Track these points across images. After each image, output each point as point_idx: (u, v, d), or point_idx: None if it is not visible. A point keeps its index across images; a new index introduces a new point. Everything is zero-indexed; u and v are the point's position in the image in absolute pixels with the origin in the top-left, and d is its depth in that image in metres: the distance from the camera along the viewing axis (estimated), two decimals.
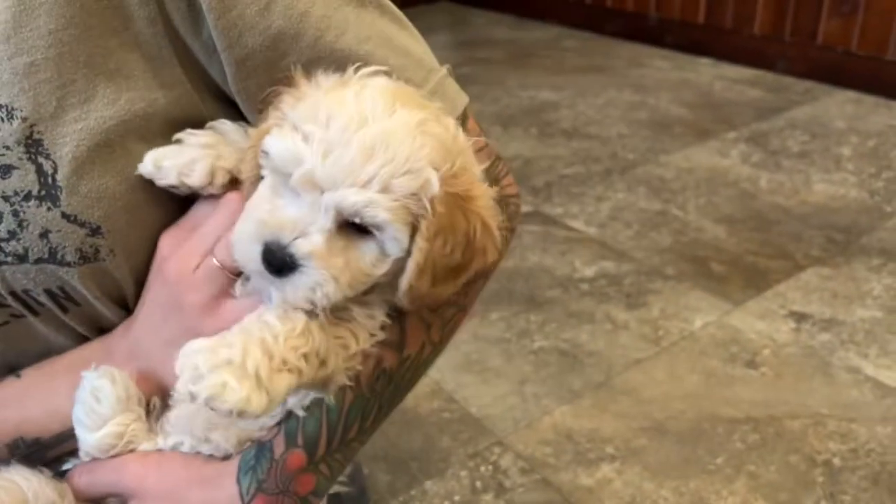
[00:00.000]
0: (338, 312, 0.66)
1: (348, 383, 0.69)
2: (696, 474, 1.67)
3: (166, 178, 0.70)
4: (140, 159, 0.71)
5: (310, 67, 0.70)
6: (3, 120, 0.66)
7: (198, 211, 0.74)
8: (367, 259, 0.63)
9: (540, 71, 3.98)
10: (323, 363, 0.65)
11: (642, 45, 4.29)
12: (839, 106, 3.41)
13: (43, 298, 0.73)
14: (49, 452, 0.77)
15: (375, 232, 0.61)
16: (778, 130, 3.20)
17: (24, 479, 0.71)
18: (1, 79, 0.66)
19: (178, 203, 0.75)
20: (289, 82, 0.67)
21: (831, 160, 2.94)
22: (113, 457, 0.72)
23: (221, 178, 0.70)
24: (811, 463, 1.68)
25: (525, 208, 2.69)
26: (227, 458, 0.71)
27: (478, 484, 1.67)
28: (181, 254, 0.71)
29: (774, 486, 1.63)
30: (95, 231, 0.69)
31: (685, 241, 2.50)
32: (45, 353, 0.79)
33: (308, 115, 0.62)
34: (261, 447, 0.70)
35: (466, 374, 1.97)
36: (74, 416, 0.71)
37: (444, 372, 1.97)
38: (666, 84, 3.76)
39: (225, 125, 0.73)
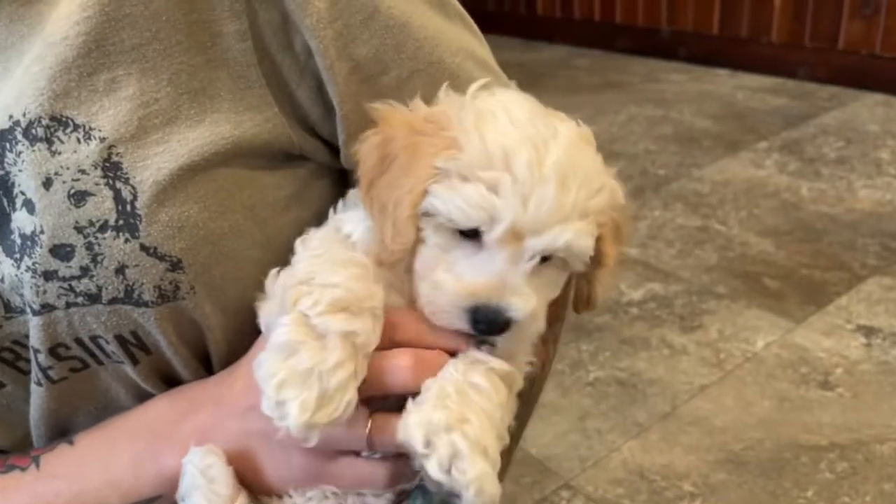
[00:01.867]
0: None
1: None
2: None
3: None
4: (224, 185, 0.63)
5: (406, 84, 0.66)
6: (79, 141, 0.60)
7: None
8: (557, 286, 0.60)
9: (554, 91, 3.87)
10: None
11: (655, 60, 4.21)
12: (869, 109, 3.31)
13: (112, 347, 0.65)
14: None
15: (566, 256, 0.58)
16: (810, 138, 3.10)
17: None
18: (79, 96, 0.60)
19: (260, 231, 0.66)
20: (376, 120, 0.62)
21: (871, 165, 2.84)
22: None
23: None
24: None
25: None
26: None
27: None
28: None
29: None
30: (175, 265, 0.62)
31: (732, 256, 2.38)
32: (102, 408, 0.70)
33: (478, 160, 0.56)
34: (424, 489, 0.62)
35: None
36: None
37: None
38: (686, 97, 3.67)
39: (337, 288, 0.58)
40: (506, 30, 4.95)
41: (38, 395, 0.68)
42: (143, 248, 0.61)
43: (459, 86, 0.68)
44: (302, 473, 0.62)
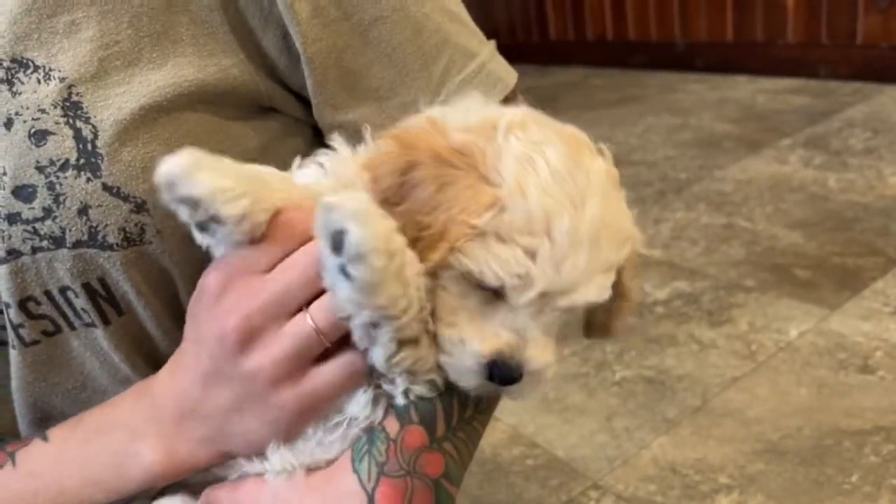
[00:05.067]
0: None
1: None
2: (832, 496, 1.43)
3: None
4: (191, 130, 0.63)
5: (370, 31, 0.66)
6: (39, 82, 0.61)
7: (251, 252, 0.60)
8: (577, 326, 0.62)
9: (571, 109, 3.85)
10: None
11: (672, 73, 4.17)
12: (895, 101, 3.22)
13: (81, 301, 0.64)
14: None
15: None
16: (836, 132, 3.02)
17: None
18: (39, 38, 0.62)
19: None
20: (397, 142, 0.59)
21: None
22: None
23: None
24: None
25: None
26: None
27: None
28: (244, 310, 0.58)
29: None
30: (140, 206, 0.62)
31: (760, 250, 2.30)
32: (80, 387, 0.70)
33: (520, 223, 0.54)
34: (371, 431, 0.60)
35: (546, 415, 1.77)
36: None
37: (520, 415, 1.77)
38: (704, 104, 3.62)
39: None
40: (520, 58, 4.96)
41: (14, 363, 0.68)
42: (105, 187, 0.61)
43: (424, 37, 0.68)
44: (291, 406, 0.59)
